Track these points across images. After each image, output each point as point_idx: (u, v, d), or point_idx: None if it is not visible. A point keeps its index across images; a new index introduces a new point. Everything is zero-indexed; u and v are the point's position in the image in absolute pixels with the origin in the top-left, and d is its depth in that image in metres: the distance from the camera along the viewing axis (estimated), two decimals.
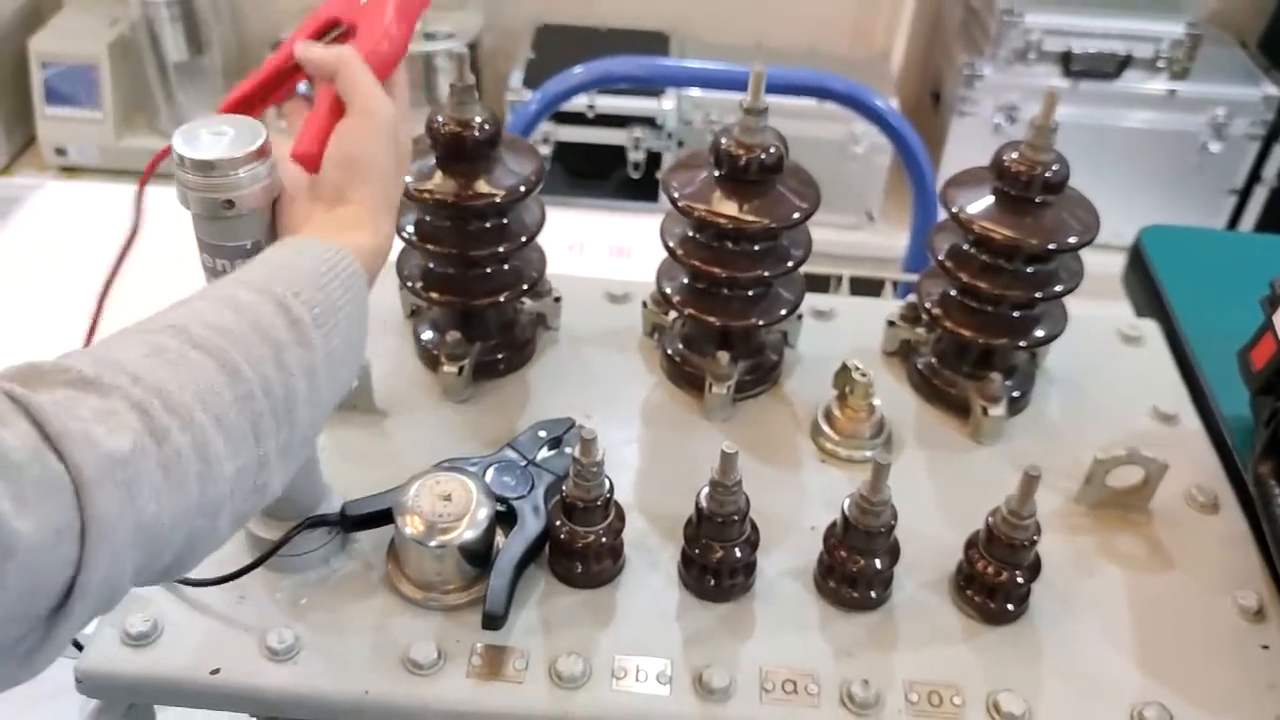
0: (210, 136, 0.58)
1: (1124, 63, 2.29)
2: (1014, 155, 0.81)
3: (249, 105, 0.68)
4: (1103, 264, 1.05)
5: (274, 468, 0.52)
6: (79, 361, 0.46)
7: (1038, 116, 0.79)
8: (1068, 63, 2.30)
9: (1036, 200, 0.81)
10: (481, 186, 0.81)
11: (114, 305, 0.74)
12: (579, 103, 2.32)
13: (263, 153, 0.58)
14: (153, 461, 0.44)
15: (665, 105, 2.36)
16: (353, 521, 0.74)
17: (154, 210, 0.72)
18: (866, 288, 1.22)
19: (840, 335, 0.97)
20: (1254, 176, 2.39)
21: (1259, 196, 2.42)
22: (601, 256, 1.54)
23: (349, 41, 0.67)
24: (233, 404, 0.49)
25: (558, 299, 0.95)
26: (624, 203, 2.42)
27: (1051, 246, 0.81)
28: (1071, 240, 0.81)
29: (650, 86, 2.35)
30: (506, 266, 0.87)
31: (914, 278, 1.16)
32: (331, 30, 0.69)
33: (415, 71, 2.42)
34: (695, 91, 2.37)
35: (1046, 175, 0.80)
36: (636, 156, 2.41)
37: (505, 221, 0.84)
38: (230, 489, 0.50)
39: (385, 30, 0.66)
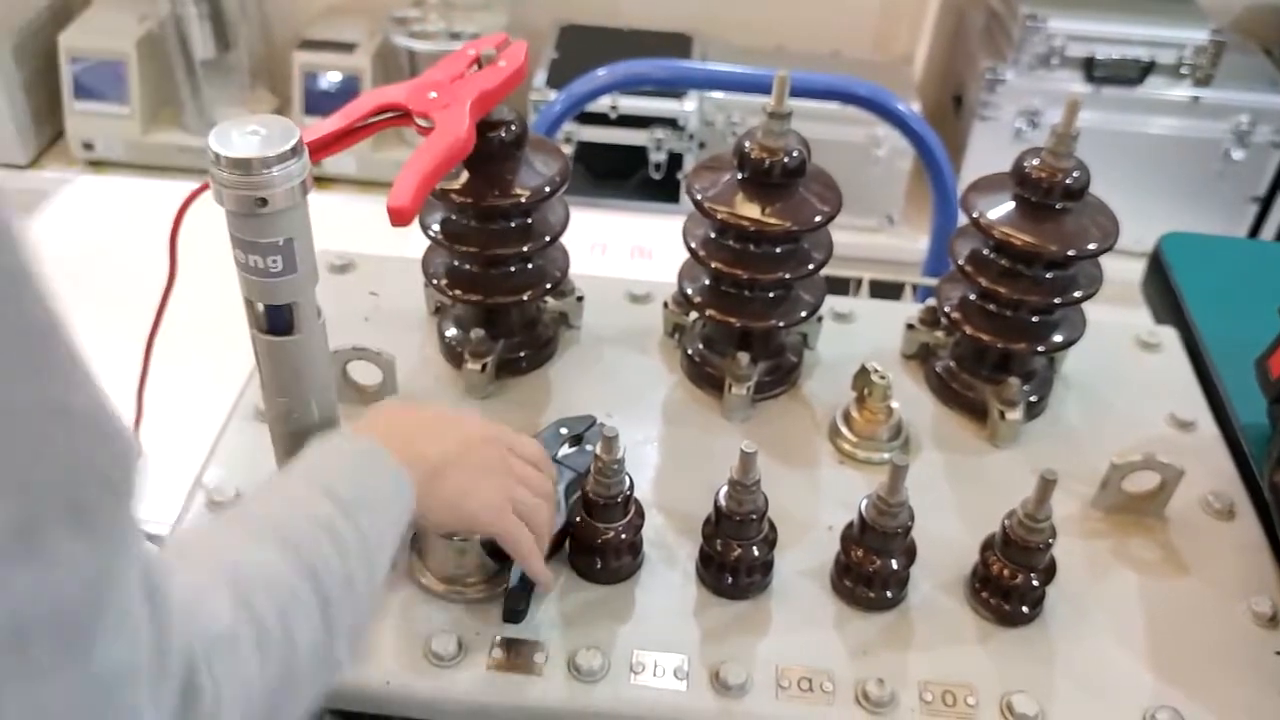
0: (244, 135, 0.59)
1: (1147, 69, 2.29)
2: (1035, 162, 0.82)
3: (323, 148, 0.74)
4: (1122, 270, 1.06)
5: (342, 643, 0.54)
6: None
7: (1059, 124, 0.80)
8: (1090, 68, 2.30)
9: (1057, 207, 0.82)
10: (507, 187, 0.82)
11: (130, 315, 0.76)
12: (601, 103, 2.33)
13: (295, 151, 0.60)
14: (249, 638, 0.46)
15: (687, 107, 2.36)
16: None
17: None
18: (886, 291, 1.23)
19: (859, 338, 0.98)
20: (1277, 184, 2.38)
21: None
22: (623, 257, 1.55)
23: (422, 134, 0.75)
24: (301, 585, 0.51)
25: (580, 298, 0.96)
26: (645, 203, 2.43)
27: (1071, 253, 0.81)
28: (1091, 247, 0.81)
29: (674, 89, 2.36)
30: (530, 266, 0.88)
31: (933, 282, 1.16)
32: (389, 113, 0.77)
33: None
34: (717, 93, 2.38)
35: (1067, 182, 0.80)
36: (658, 157, 2.42)
37: (530, 221, 0.85)
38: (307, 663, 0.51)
39: (459, 135, 0.74)
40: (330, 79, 2.48)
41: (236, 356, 0.89)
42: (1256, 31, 2.52)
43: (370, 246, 1.03)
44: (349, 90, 2.46)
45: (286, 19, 2.67)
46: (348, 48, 2.50)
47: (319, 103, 2.47)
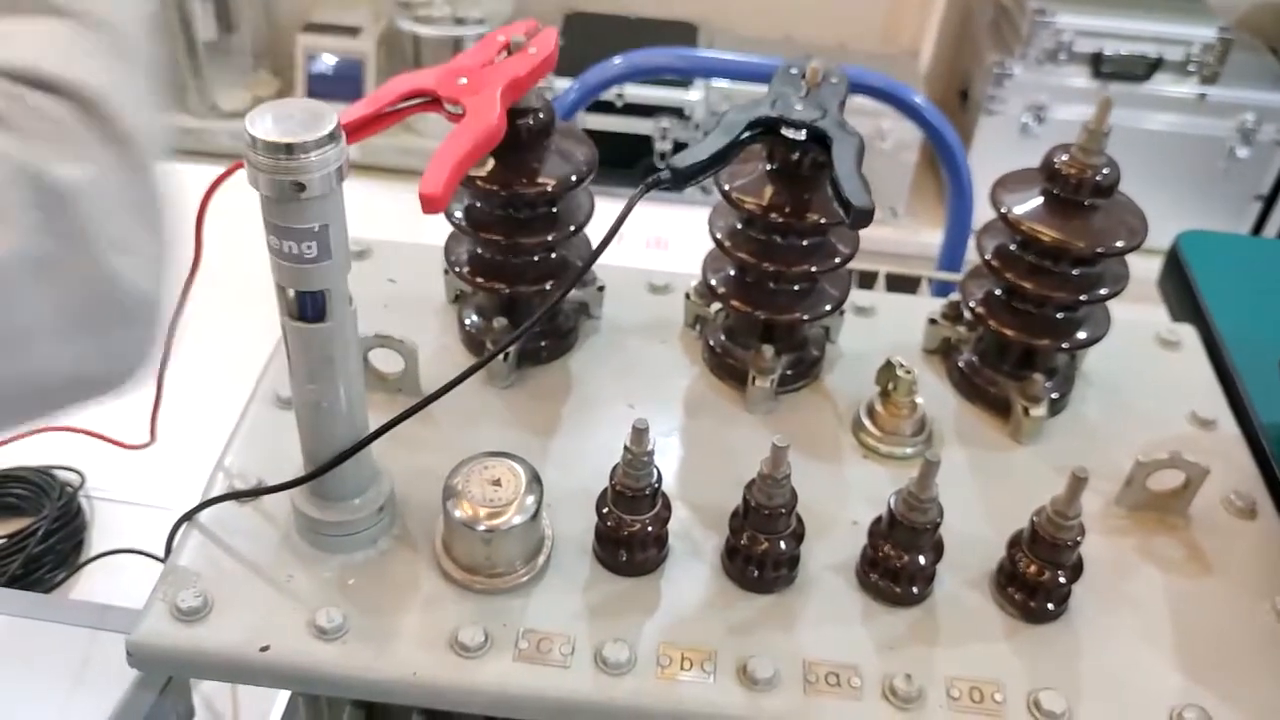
0: (282, 119, 0.59)
1: (1154, 65, 2.29)
2: (1064, 157, 0.81)
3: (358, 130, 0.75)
4: (1135, 267, 1.05)
5: None
6: None
7: (1091, 120, 0.80)
8: (1098, 64, 2.30)
9: (1086, 203, 0.81)
10: (534, 175, 0.81)
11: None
12: (608, 92, 2.32)
13: (333, 136, 0.59)
14: None
15: (693, 96, 2.36)
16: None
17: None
18: (901, 284, 1.23)
19: (881, 332, 0.98)
20: None
21: None
22: (638, 248, 1.55)
23: (451, 121, 0.75)
24: None
25: (601, 288, 0.95)
26: (653, 192, 2.43)
27: (1099, 250, 0.81)
28: (1119, 244, 0.81)
29: (681, 77, 2.35)
30: (554, 255, 0.88)
31: (949, 276, 1.16)
32: (419, 98, 0.76)
33: (445, 56, 2.43)
34: (723, 83, 2.37)
35: (1097, 179, 0.80)
36: (663, 147, 2.41)
37: (555, 211, 0.85)
38: None
39: (491, 123, 0.74)
40: (334, 62, 2.47)
41: (252, 342, 0.88)
42: (1264, 29, 2.52)
43: (372, 232, 1.02)
44: (352, 74, 2.45)
45: (290, 1, 2.65)
46: (352, 31, 2.48)
47: (321, 86, 2.46)
